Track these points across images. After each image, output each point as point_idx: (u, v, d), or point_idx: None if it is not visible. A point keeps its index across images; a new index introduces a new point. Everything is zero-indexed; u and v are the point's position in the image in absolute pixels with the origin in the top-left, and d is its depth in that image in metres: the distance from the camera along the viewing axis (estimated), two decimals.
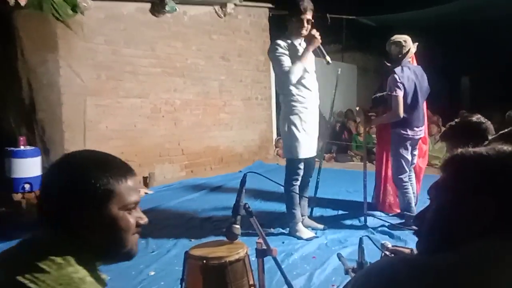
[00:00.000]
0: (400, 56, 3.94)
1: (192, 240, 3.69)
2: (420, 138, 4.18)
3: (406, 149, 3.99)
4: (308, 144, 3.72)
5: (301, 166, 3.73)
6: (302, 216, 3.90)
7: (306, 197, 3.98)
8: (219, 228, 4.00)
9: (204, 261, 1.74)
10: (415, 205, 4.09)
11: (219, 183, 6.13)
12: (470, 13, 7.91)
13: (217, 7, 7.21)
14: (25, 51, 5.06)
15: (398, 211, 4.31)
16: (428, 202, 0.92)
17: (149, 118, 6.28)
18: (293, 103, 3.66)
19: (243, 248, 1.85)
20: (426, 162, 4.66)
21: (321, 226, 3.98)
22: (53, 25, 5.16)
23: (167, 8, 6.22)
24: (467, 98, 10.31)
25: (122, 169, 1.07)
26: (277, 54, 3.60)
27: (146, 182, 6.10)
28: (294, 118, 3.66)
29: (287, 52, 3.63)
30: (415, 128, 3.99)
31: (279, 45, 3.63)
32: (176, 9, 6.35)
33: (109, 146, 5.71)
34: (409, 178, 4.11)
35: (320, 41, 3.63)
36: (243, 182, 1.94)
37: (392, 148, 4.03)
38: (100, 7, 5.61)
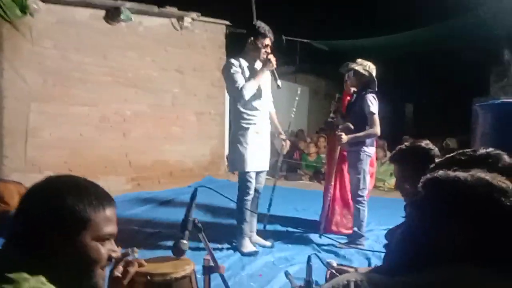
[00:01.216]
0: (371, 79, 4.09)
1: (138, 255, 3.56)
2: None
3: (367, 165, 4.13)
4: (254, 158, 3.78)
5: (251, 179, 3.77)
6: (250, 232, 3.91)
7: (255, 212, 3.98)
8: (166, 243, 3.89)
9: (148, 277, 1.67)
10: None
11: (167, 197, 5.98)
12: (419, 44, 8.38)
13: (174, 20, 7.17)
14: None
15: (345, 231, 4.39)
16: (372, 223, 0.94)
17: (96, 128, 6.07)
18: (242, 120, 3.74)
19: (190, 265, 1.80)
20: (373, 183, 4.81)
21: (268, 244, 3.98)
22: None
23: (122, 16, 6.11)
24: (410, 125, 10.82)
25: (101, 198, 1.04)
26: (231, 72, 3.67)
27: None
28: (241, 134, 3.74)
29: (240, 70, 3.69)
30: (372, 147, 4.16)
31: (233, 63, 3.70)
32: (131, 18, 6.25)
33: (51, 155, 5.45)
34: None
35: (275, 65, 3.72)
36: (193, 196, 1.90)
37: (358, 166, 4.12)
38: (51, 10, 5.42)
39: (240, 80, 3.65)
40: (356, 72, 4.13)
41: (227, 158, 8.48)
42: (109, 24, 6.16)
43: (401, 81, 10.12)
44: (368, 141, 4.07)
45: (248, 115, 3.75)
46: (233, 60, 3.74)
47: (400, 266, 0.86)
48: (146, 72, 6.74)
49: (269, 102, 3.99)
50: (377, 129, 4.01)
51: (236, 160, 3.78)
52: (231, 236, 4.04)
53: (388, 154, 8.04)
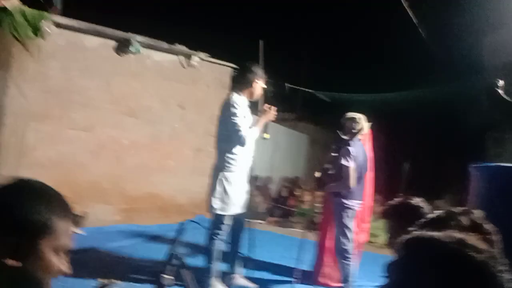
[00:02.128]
0: (353, 131, 4.10)
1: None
2: (358, 211, 4.23)
3: (350, 219, 4.03)
4: (237, 201, 3.77)
5: (228, 222, 3.76)
6: (233, 273, 3.89)
7: (240, 252, 3.90)
8: (149, 277, 3.74)
9: None
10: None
11: (156, 232, 5.83)
12: (420, 104, 8.51)
13: (181, 57, 7.29)
14: None
15: (334, 284, 4.26)
16: (364, 279, 0.98)
17: (91, 153, 6.01)
18: (230, 160, 3.73)
19: None
20: (366, 238, 4.71)
21: (254, 286, 3.89)
22: (9, 43, 4.98)
23: (131, 48, 6.21)
24: (407, 182, 10.81)
25: (67, 211, 1.03)
26: (237, 115, 3.68)
27: (77, 221, 5.70)
28: (228, 175, 3.72)
29: (242, 113, 3.74)
30: (356, 201, 4.07)
31: (237, 104, 3.73)
32: (140, 51, 6.36)
33: (42, 175, 5.30)
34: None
35: (274, 118, 3.88)
36: (180, 231, 1.84)
37: (336, 218, 4.05)
38: (62, 34, 5.52)
39: (243, 126, 3.67)
40: (344, 124, 4.20)
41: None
42: (117, 54, 6.25)
43: (400, 138, 10.20)
44: (349, 193, 4.00)
45: (236, 157, 3.74)
46: (236, 99, 3.76)
47: None
48: (147, 103, 6.77)
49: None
50: (348, 182, 3.95)
51: (220, 201, 3.72)
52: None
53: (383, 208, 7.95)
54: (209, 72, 7.89)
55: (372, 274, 4.67)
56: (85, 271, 3.83)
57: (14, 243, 0.92)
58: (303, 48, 11.54)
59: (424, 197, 2.26)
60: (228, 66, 8.26)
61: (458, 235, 0.92)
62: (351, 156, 3.98)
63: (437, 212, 1.69)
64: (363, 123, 4.18)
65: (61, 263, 1.00)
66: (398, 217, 2.09)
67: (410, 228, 1.05)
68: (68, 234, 1.01)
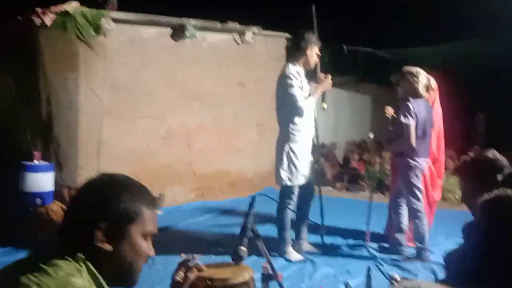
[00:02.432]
0: (415, 87, 3.95)
1: (199, 261, 3.66)
2: (427, 169, 4.11)
3: (418, 178, 3.95)
4: (303, 170, 3.85)
5: (296, 191, 3.86)
6: (300, 239, 3.99)
7: (312, 221, 3.99)
8: (226, 250, 3.96)
9: (208, 282, 1.72)
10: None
11: (228, 206, 6.10)
12: (489, 51, 7.92)
13: (235, 35, 7.36)
14: (47, 69, 5.21)
15: (408, 244, 4.23)
16: (440, 236, 0.94)
17: (162, 140, 6.35)
18: (292, 131, 3.80)
19: (249, 272, 1.83)
20: (439, 196, 4.58)
21: (317, 250, 4.01)
22: (76, 45, 5.31)
23: (187, 34, 6.36)
24: (482, 135, 10.22)
25: (151, 199, 1.13)
26: (293, 86, 3.72)
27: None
28: (293, 146, 3.80)
29: (299, 84, 3.77)
30: (422, 158, 3.97)
31: (293, 75, 3.75)
32: (196, 35, 6.50)
33: (121, 165, 5.75)
34: None
35: (331, 87, 3.93)
36: (251, 204, 1.93)
37: (404, 178, 3.99)
38: (122, 29, 5.78)
39: (300, 97, 3.70)
40: (400, 81, 4.03)
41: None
42: (175, 41, 6.45)
43: (470, 90, 9.61)
44: (413, 152, 3.89)
45: (301, 125, 3.81)
46: (291, 70, 3.78)
47: (461, 282, 0.86)
48: (209, 86, 6.96)
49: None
50: (410, 141, 3.83)
51: (288, 172, 3.82)
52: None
53: (457, 164, 7.62)
54: (264, 46, 7.91)
55: (448, 232, 4.57)
56: (167, 248, 4.15)
57: (108, 230, 1.02)
58: (357, 7, 11.09)
59: (500, 149, 2.14)
60: (282, 37, 8.21)
61: None
62: (411, 113, 3.85)
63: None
64: (422, 77, 4.00)
65: (149, 247, 1.11)
66: (472, 174, 1.99)
67: (486, 186, 0.97)
68: (154, 221, 1.11)
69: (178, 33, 6.39)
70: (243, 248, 1.81)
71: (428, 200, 4.27)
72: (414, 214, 3.96)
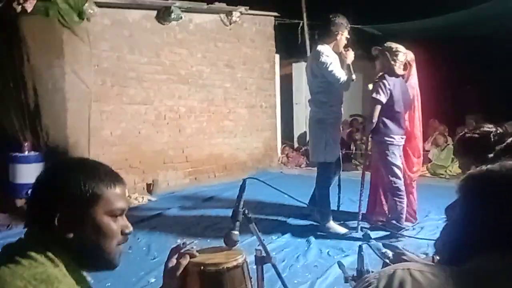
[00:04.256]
0: (391, 64, 3.91)
1: (195, 247, 3.66)
2: (402, 146, 4.06)
3: (395, 155, 3.92)
4: (335, 148, 4.09)
5: (332, 167, 4.09)
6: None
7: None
8: (220, 234, 3.97)
9: (202, 267, 1.71)
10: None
11: (222, 190, 6.10)
12: (478, 24, 7.86)
13: (222, 15, 7.24)
14: (31, 56, 5.09)
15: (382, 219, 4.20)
16: (432, 213, 0.94)
17: (153, 125, 6.29)
18: (329, 108, 3.99)
19: (242, 255, 1.82)
20: (417, 173, 4.50)
21: (345, 230, 4.04)
22: (59, 31, 5.19)
23: (172, 15, 6.25)
24: (473, 108, 10.25)
25: (112, 176, 1.08)
26: (328, 61, 3.88)
27: (149, 189, 6.08)
28: (330, 125, 4.00)
29: (332, 59, 3.92)
30: (398, 136, 3.93)
31: (326, 53, 3.91)
32: (181, 17, 6.39)
33: (113, 152, 5.72)
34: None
35: (353, 58, 4.08)
36: (242, 188, 1.91)
37: (381, 156, 3.97)
38: (105, 13, 5.66)
39: (337, 68, 3.88)
40: (377, 57, 4.00)
41: (283, 150, 8.58)
42: (160, 23, 6.33)
43: (462, 64, 9.58)
44: (387, 129, 3.86)
45: (332, 106, 4.00)
46: (321, 49, 3.95)
47: (446, 257, 0.87)
48: (197, 68, 6.88)
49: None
50: (372, 116, 3.86)
51: (324, 150, 4.00)
52: (283, 227, 4.11)
53: (449, 139, 7.65)
54: (251, 26, 7.81)
55: (440, 207, 4.59)
56: (163, 234, 4.16)
57: (68, 215, 0.98)
58: None
59: (492, 120, 2.09)
60: (270, 16, 8.10)
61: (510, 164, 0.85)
62: (384, 90, 3.81)
63: (508, 139, 1.56)
64: (401, 55, 3.94)
65: (123, 225, 1.07)
66: (470, 151, 1.89)
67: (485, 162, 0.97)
68: (120, 197, 1.06)
69: (163, 15, 6.27)
70: (235, 232, 1.79)
71: (405, 178, 4.15)
72: (393, 192, 3.91)
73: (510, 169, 0.84)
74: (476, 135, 1.95)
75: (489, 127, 1.93)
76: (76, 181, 1.00)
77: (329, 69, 3.86)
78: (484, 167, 0.88)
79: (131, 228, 1.09)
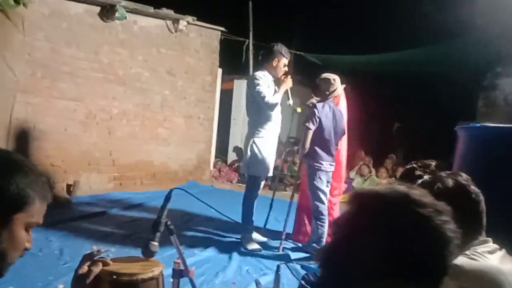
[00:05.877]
0: (327, 92, 4.11)
1: (110, 255, 3.51)
2: (331, 172, 4.22)
3: (322, 181, 4.07)
4: (267, 164, 4.21)
5: (260, 183, 4.29)
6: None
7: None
8: (140, 244, 3.84)
9: (115, 277, 1.64)
10: None
11: (148, 199, 5.91)
12: (410, 65, 8.45)
13: (169, 22, 7.17)
14: None
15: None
16: None
17: (81, 124, 6.01)
18: (260, 127, 4.16)
19: (158, 267, 1.77)
20: (338, 197, 4.68)
21: (265, 239, 4.36)
22: None
23: (117, 14, 6.08)
24: (397, 144, 10.89)
25: (48, 189, 1.00)
26: (260, 85, 4.07)
27: (69, 190, 5.76)
28: (259, 141, 4.16)
29: (266, 83, 4.13)
30: (327, 162, 4.09)
31: (260, 78, 4.12)
32: (126, 17, 6.23)
33: (34, 148, 5.38)
34: None
35: (291, 85, 4.26)
36: (167, 197, 1.88)
37: (309, 180, 4.11)
38: (45, 2, 5.38)
39: (267, 92, 4.07)
40: (316, 85, 4.22)
41: (215, 164, 8.55)
42: (103, 21, 6.13)
43: (391, 100, 10.19)
44: (317, 155, 4.03)
45: (266, 124, 4.17)
46: (258, 73, 4.21)
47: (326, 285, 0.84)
48: (136, 71, 6.71)
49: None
50: (305, 144, 4.01)
51: (251, 163, 4.16)
52: (206, 242, 4.07)
53: (373, 171, 8.08)
54: (197, 36, 7.79)
55: None
56: (78, 239, 3.95)
57: None
58: (294, 11, 11.33)
59: (415, 157, 2.21)
60: (217, 30, 8.14)
61: (403, 189, 0.85)
62: (314, 118, 3.99)
63: (425, 178, 1.67)
64: (337, 84, 4.16)
65: (28, 239, 0.99)
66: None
67: None
68: (42, 213, 0.99)
69: (107, 13, 6.08)
70: (154, 243, 1.76)
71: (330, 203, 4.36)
72: (315, 215, 4.07)
73: (396, 193, 0.84)
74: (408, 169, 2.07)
75: (424, 163, 2.06)
76: (11, 182, 0.92)
77: (256, 89, 4.07)
78: (374, 189, 0.87)
79: (31, 245, 1.01)
